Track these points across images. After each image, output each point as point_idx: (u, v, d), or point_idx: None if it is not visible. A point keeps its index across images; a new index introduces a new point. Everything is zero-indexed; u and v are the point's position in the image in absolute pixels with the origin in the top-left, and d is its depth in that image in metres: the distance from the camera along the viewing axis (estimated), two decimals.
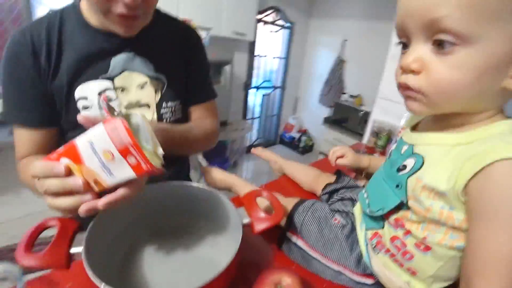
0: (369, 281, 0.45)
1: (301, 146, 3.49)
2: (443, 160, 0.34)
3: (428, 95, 0.33)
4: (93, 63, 0.54)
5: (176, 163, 0.72)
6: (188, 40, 0.66)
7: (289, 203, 0.56)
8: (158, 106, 0.62)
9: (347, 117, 2.84)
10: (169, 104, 0.63)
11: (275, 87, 3.43)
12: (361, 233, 0.47)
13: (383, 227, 0.43)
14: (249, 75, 3.00)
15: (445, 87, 0.32)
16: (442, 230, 0.36)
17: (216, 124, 0.72)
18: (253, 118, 3.36)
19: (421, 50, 0.32)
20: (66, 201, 0.33)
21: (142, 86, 0.59)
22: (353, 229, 0.49)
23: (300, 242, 0.51)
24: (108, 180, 0.34)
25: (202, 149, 0.73)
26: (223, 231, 0.53)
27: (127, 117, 0.36)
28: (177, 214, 0.54)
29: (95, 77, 0.54)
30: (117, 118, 0.33)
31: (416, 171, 0.36)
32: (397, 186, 0.39)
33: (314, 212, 0.52)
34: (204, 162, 1.88)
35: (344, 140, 2.80)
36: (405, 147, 0.41)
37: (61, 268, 0.37)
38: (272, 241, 0.54)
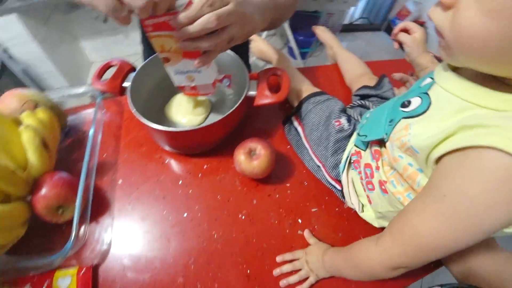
0: (339, 186, 0.48)
1: None
2: (448, 119, 0.26)
3: (448, 41, 0.25)
4: None
5: None
6: None
7: (309, 91, 0.57)
8: None
9: None
10: None
11: None
12: (350, 145, 0.47)
13: (365, 151, 0.42)
14: None
15: (468, 39, 0.23)
16: (405, 185, 0.34)
17: None
18: None
19: None
20: None
21: None
22: (349, 137, 0.49)
23: (299, 129, 0.55)
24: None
25: (289, 10, 0.59)
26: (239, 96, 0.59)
27: None
28: None
29: None
30: None
31: (414, 116, 0.31)
32: (391, 121, 0.35)
33: (323, 108, 0.52)
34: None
35: None
36: (427, 81, 0.34)
37: (116, 95, 0.54)
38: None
